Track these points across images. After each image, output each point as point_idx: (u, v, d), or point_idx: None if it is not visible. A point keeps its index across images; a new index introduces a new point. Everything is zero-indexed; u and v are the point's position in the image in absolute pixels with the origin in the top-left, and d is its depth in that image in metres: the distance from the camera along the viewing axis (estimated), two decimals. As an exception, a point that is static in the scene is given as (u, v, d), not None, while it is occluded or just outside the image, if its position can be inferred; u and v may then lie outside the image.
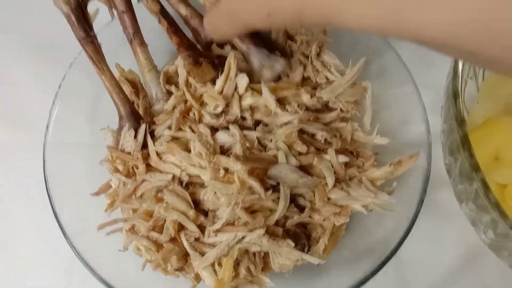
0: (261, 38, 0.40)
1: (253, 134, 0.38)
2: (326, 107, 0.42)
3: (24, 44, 0.54)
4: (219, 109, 0.39)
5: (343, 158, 0.37)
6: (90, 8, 0.40)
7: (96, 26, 0.40)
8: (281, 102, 0.40)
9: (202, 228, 0.36)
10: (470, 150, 0.30)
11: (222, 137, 0.38)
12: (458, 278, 0.43)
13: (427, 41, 0.23)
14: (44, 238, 0.45)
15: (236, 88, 0.39)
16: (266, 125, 0.40)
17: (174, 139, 0.39)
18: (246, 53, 0.39)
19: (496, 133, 0.36)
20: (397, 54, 0.42)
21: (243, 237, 0.35)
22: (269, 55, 0.39)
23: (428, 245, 0.42)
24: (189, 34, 0.43)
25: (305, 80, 0.43)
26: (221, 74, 0.39)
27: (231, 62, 0.39)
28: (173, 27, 0.41)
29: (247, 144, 0.37)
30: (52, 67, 0.50)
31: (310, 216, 0.37)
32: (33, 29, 0.55)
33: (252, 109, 0.40)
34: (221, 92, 0.39)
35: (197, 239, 0.36)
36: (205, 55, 0.40)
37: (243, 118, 0.40)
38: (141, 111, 0.41)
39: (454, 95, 0.33)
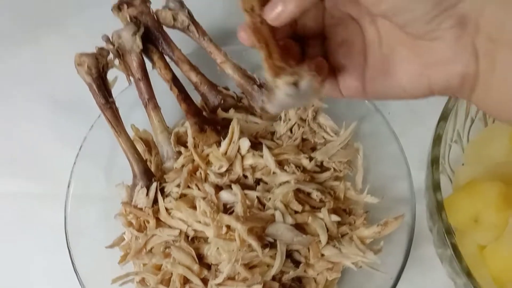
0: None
1: (253, 194, 0.42)
2: (321, 166, 0.46)
3: (44, 98, 0.57)
4: (223, 169, 0.43)
5: (335, 218, 0.41)
6: (109, 75, 0.45)
7: (115, 90, 0.45)
8: (281, 162, 0.44)
9: (205, 281, 0.39)
10: (443, 219, 0.33)
11: (225, 196, 0.42)
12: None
13: None
14: (61, 285, 0.47)
15: (238, 149, 0.44)
16: (266, 183, 0.44)
17: (182, 195, 0.43)
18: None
19: (476, 196, 0.39)
20: (383, 117, 0.45)
21: (242, 292, 0.38)
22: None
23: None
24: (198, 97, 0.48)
25: (304, 141, 0.47)
26: (224, 136, 0.44)
27: (235, 126, 0.43)
28: (182, 94, 0.45)
29: (248, 203, 0.41)
30: (72, 121, 0.55)
31: (305, 271, 0.40)
32: (53, 84, 0.58)
33: (253, 168, 0.44)
34: (225, 153, 0.43)
35: (200, 292, 0.39)
36: (210, 121, 0.44)
37: (245, 177, 0.44)
38: (153, 168, 0.45)
39: (432, 163, 0.36)
